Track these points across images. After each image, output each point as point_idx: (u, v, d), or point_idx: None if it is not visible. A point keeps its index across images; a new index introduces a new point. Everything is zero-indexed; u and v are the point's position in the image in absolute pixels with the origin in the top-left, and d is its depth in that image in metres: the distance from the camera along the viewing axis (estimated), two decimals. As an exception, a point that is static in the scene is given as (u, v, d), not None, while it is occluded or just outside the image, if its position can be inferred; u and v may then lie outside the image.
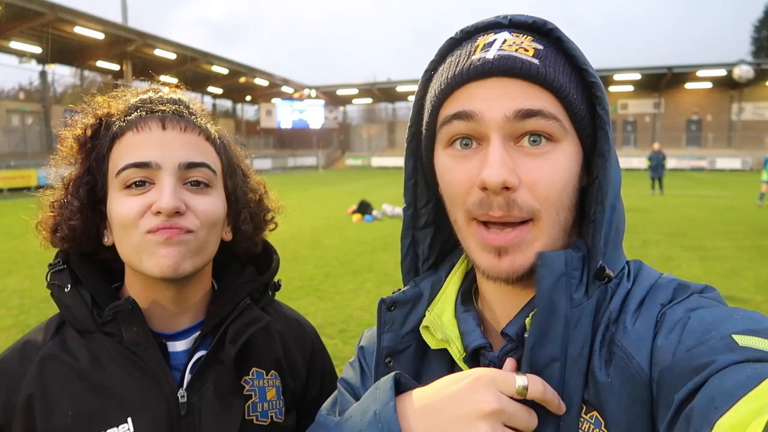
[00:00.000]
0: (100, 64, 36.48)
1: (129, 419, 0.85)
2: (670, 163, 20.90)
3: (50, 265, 0.94)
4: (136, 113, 0.90)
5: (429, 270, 0.82)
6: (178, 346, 0.93)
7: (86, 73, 39.70)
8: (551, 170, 0.63)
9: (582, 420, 0.62)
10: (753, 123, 45.54)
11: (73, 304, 0.89)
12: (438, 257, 0.83)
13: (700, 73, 43.70)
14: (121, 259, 0.90)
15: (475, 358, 0.72)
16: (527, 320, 0.66)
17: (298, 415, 1.02)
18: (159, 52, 34.31)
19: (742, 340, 0.52)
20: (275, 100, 53.18)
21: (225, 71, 41.06)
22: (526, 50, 0.63)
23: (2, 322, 5.89)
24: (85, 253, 0.94)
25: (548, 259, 0.63)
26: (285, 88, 52.77)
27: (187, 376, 0.90)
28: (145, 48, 32.96)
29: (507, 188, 0.62)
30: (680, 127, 47.05)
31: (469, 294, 0.79)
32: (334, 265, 8.50)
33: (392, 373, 0.68)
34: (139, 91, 0.99)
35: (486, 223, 0.65)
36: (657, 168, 20.27)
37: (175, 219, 0.85)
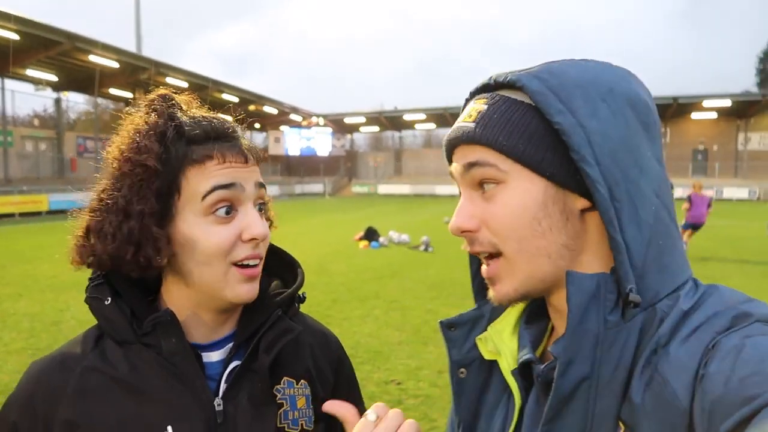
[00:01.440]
0: (113, 91, 37.13)
1: (169, 427, 0.87)
2: (677, 192, 20.85)
3: (90, 279, 0.95)
4: (210, 143, 0.89)
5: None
6: (213, 357, 0.96)
7: (99, 100, 40.42)
8: (498, 209, 0.72)
9: None
10: (760, 153, 45.48)
11: (113, 316, 0.91)
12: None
13: (705, 104, 43.87)
14: (188, 280, 0.91)
15: (529, 372, 0.78)
16: None
17: (328, 419, 1.01)
18: (171, 80, 34.90)
19: None
20: (284, 128, 53.68)
21: (235, 99, 41.57)
22: (471, 116, 0.75)
23: (13, 345, 5.94)
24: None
25: (576, 278, 0.66)
26: (293, 116, 53.33)
27: (223, 386, 0.93)
28: (157, 76, 33.54)
29: (468, 231, 0.74)
30: (687, 156, 47.01)
31: (539, 313, 0.84)
32: (341, 291, 8.51)
33: None
34: (151, 101, 0.94)
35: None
36: (663, 197, 20.06)
37: (259, 247, 0.91)
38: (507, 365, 0.80)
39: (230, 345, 0.97)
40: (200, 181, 0.88)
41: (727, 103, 43.57)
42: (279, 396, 0.97)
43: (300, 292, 1.07)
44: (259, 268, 0.92)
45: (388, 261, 11.58)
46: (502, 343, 0.81)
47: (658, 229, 0.69)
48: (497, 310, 0.85)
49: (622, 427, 0.64)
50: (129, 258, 0.88)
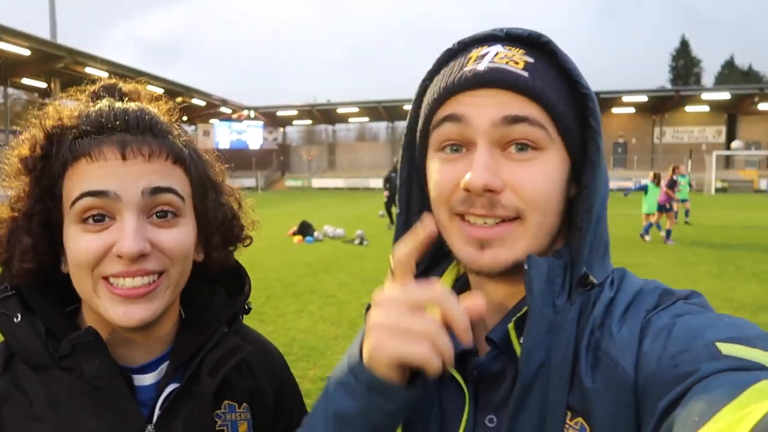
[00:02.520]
0: (26, 81, 34.84)
1: None
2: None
3: None
4: (89, 137, 0.78)
5: (419, 276, 0.84)
6: (145, 380, 0.85)
7: (10, 90, 37.80)
8: (535, 175, 0.66)
9: (567, 426, 0.63)
10: (673, 146, 48.57)
11: (24, 337, 0.78)
12: (429, 265, 0.84)
13: (624, 99, 46.31)
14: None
15: (462, 363, 0.73)
16: (510, 326, 0.68)
17: None
18: (90, 70, 33.10)
19: (726, 348, 0.53)
20: (213, 121, 52.18)
21: (161, 91, 39.60)
22: (517, 63, 0.66)
23: None
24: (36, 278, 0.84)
25: (537, 262, 0.66)
26: (223, 109, 51.95)
27: (157, 412, 0.82)
28: (74, 65, 31.73)
29: (491, 191, 0.65)
30: (608, 149, 49.06)
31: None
32: (275, 287, 8.36)
33: (366, 306, 0.70)
34: (95, 89, 0.86)
35: (467, 219, 0.68)
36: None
37: (141, 263, 0.75)
38: None
39: (164, 366, 0.86)
40: (73, 184, 0.76)
41: (643, 98, 46.14)
42: (219, 422, 0.88)
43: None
44: (143, 291, 0.77)
45: (323, 255, 11.49)
46: None
47: (603, 223, 0.71)
48: None
49: (569, 413, 0.64)
50: (23, 270, 0.79)
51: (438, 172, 0.71)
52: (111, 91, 0.87)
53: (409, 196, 0.82)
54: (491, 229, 0.67)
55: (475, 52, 0.69)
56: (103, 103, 0.82)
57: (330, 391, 0.68)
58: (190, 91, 44.19)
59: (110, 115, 0.79)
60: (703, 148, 45.57)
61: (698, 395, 0.48)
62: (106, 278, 0.76)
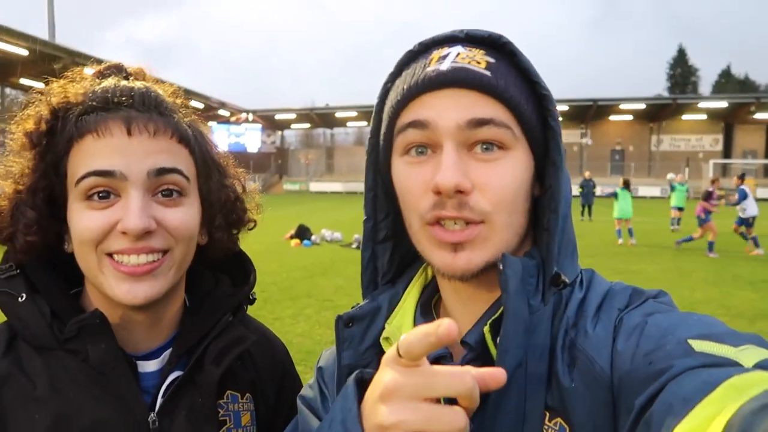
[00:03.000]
0: (24, 81, 34.77)
1: None
2: (597, 190, 22.00)
3: None
4: (95, 113, 0.77)
5: (386, 284, 0.82)
6: (149, 366, 0.84)
7: (8, 90, 37.73)
8: (502, 175, 0.66)
9: (546, 427, 0.63)
10: (670, 153, 48.72)
11: (28, 317, 0.77)
12: (396, 272, 0.83)
13: (622, 106, 46.48)
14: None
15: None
16: (485, 328, 0.68)
17: None
18: (89, 71, 33.08)
19: (698, 345, 0.53)
20: (211, 124, 52.16)
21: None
22: (479, 63, 0.66)
23: None
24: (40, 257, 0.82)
25: (512, 261, 0.65)
26: (222, 112, 51.95)
27: (159, 400, 0.81)
28: (73, 66, 31.49)
29: (460, 192, 0.64)
30: (605, 156, 49.60)
31: (428, 306, 0.79)
32: (272, 290, 8.33)
33: (353, 375, 0.62)
34: (101, 68, 0.86)
35: (440, 223, 0.67)
36: (587, 195, 21.18)
37: (146, 240, 0.75)
38: None
39: (168, 353, 0.86)
40: (78, 161, 0.76)
41: (641, 106, 46.31)
42: (222, 412, 0.87)
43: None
44: (148, 267, 0.76)
45: (320, 259, 11.46)
46: None
47: (569, 223, 0.72)
48: (393, 302, 0.80)
49: (547, 414, 0.64)
50: (28, 243, 0.78)
51: (405, 177, 0.70)
52: (116, 70, 0.87)
53: (375, 201, 0.81)
54: (462, 232, 0.66)
55: (437, 53, 0.69)
56: (109, 81, 0.82)
57: None
58: (188, 94, 43.44)
59: (116, 92, 0.79)
60: (700, 156, 45.73)
61: (674, 391, 0.49)
62: (110, 255, 0.76)
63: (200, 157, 0.86)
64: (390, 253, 0.82)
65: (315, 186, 50.46)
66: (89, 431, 0.76)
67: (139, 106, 0.79)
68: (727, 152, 48.12)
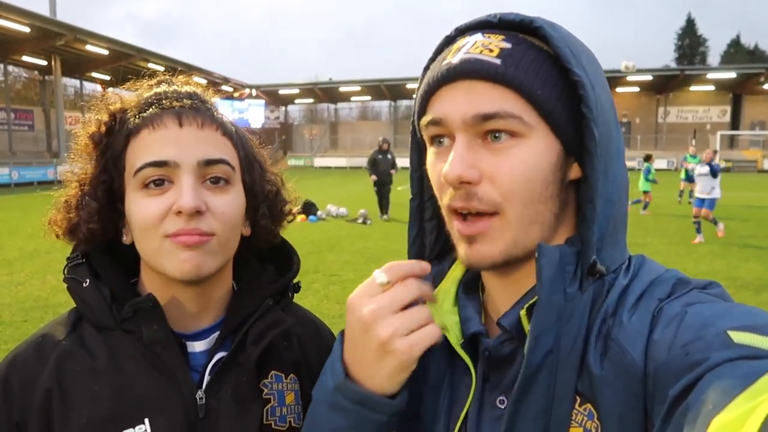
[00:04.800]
0: (26, 59, 34.64)
1: (146, 420, 0.83)
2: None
3: (68, 258, 0.91)
4: (150, 109, 0.88)
5: (434, 260, 0.84)
6: (198, 347, 0.91)
7: (10, 68, 37.58)
8: (512, 165, 0.65)
9: (576, 412, 0.64)
10: (677, 125, 48.25)
11: (92, 300, 0.86)
12: (443, 249, 0.85)
13: (629, 78, 45.83)
14: (141, 256, 0.89)
15: (474, 344, 0.75)
16: (522, 312, 0.68)
17: None
18: (90, 48, 32.85)
19: (738, 336, 0.52)
20: (215, 99, 51.88)
21: (161, 68, 39.30)
22: (491, 51, 0.65)
23: None
24: (102, 247, 0.92)
25: (547, 251, 0.65)
26: (225, 87, 51.64)
27: (206, 378, 0.88)
28: (75, 43, 31.46)
29: (468, 183, 0.65)
30: (612, 129, 49.13)
31: (473, 284, 0.81)
32: (277, 266, 8.41)
33: (340, 331, 0.75)
34: (152, 83, 0.96)
35: (463, 214, 0.69)
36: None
37: (196, 221, 0.82)
38: (456, 338, 0.76)
39: (216, 335, 0.93)
40: (136, 154, 0.85)
41: (648, 77, 45.69)
42: (266, 391, 0.93)
43: (295, 281, 1.02)
44: (198, 239, 0.83)
45: (326, 235, 11.53)
46: (444, 317, 0.77)
47: (618, 207, 0.70)
48: (437, 278, 0.82)
49: (578, 399, 0.64)
50: (90, 231, 0.88)
51: (431, 167, 0.72)
52: (166, 82, 0.97)
53: (420, 182, 0.82)
54: (475, 225, 0.67)
55: (457, 44, 0.69)
56: (160, 88, 0.93)
57: (318, 415, 0.73)
58: (191, 69, 43.72)
59: (167, 93, 0.90)
60: (708, 128, 45.29)
61: (711, 384, 0.48)
62: (168, 237, 0.83)
63: (242, 150, 0.94)
64: (437, 231, 0.84)
65: (319, 161, 50.44)
66: (143, 402, 0.84)
67: (187, 104, 0.89)
68: (734, 124, 47.60)
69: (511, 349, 0.71)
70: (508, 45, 0.66)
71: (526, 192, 0.66)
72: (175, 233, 0.82)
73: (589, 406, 0.63)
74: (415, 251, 0.84)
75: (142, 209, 0.83)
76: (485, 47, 0.66)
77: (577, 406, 0.64)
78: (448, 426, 0.76)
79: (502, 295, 0.75)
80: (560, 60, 0.66)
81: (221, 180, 0.87)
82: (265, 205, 0.97)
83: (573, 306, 0.65)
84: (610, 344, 0.63)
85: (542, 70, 0.66)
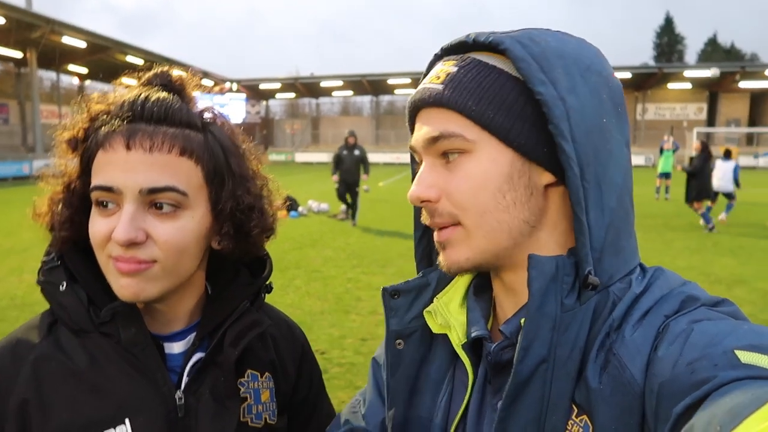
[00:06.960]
0: (1, 51, 33.86)
1: (127, 420, 0.83)
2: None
3: (43, 261, 0.90)
4: (106, 127, 0.83)
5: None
6: (175, 348, 0.92)
7: (-17, 60, 36.71)
8: (459, 180, 0.69)
9: (572, 422, 0.64)
10: (655, 122, 48.94)
11: (68, 304, 0.86)
12: None
13: (608, 75, 46.31)
14: None
15: (477, 347, 0.76)
16: (522, 320, 0.68)
17: (288, 416, 1.03)
18: (67, 40, 32.22)
19: (745, 356, 0.52)
20: (195, 93, 51.34)
21: (140, 62, 39.06)
22: (439, 78, 0.71)
23: None
24: (79, 248, 0.89)
25: (538, 261, 0.65)
26: (205, 81, 50.97)
27: (185, 378, 0.89)
28: (51, 35, 30.83)
29: (428, 201, 0.71)
30: (591, 125, 49.67)
31: (485, 287, 0.81)
32: (259, 262, 8.36)
33: None
34: (150, 77, 0.92)
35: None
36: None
37: (133, 250, 0.80)
38: (458, 339, 0.77)
39: (192, 336, 0.93)
40: (94, 171, 0.83)
41: (627, 75, 46.24)
42: (243, 389, 0.95)
43: (267, 282, 1.04)
44: (138, 267, 0.80)
45: (308, 231, 11.49)
46: (450, 316, 0.78)
47: (618, 214, 0.69)
48: (444, 280, 0.83)
49: (575, 409, 0.64)
50: (62, 238, 0.87)
51: None
52: (161, 78, 0.92)
53: None
54: (441, 233, 0.72)
55: (429, 73, 0.75)
56: (134, 92, 0.87)
57: None
58: (170, 63, 43.16)
59: (131, 104, 0.84)
60: (684, 125, 45.97)
61: (718, 403, 0.47)
62: (111, 258, 0.82)
63: (211, 166, 0.87)
64: None
65: (301, 156, 50.12)
66: (124, 403, 0.84)
67: (148, 119, 0.83)
68: (711, 121, 48.43)
69: (511, 356, 0.70)
70: (454, 69, 0.70)
71: (476, 203, 0.68)
72: (116, 258, 0.81)
73: (585, 417, 0.63)
74: (422, 251, 0.87)
75: (94, 226, 0.83)
76: (437, 75, 0.72)
77: (573, 417, 0.64)
78: (446, 423, 0.77)
79: (507, 301, 0.76)
80: (515, 78, 0.67)
81: (166, 206, 0.82)
82: (231, 222, 0.90)
83: (571, 316, 0.64)
84: (611, 358, 0.62)
85: (484, 85, 0.68)
